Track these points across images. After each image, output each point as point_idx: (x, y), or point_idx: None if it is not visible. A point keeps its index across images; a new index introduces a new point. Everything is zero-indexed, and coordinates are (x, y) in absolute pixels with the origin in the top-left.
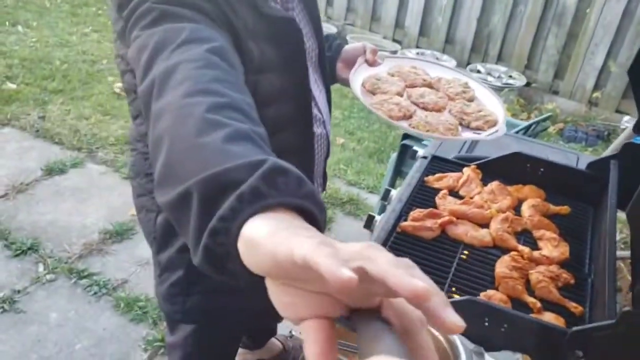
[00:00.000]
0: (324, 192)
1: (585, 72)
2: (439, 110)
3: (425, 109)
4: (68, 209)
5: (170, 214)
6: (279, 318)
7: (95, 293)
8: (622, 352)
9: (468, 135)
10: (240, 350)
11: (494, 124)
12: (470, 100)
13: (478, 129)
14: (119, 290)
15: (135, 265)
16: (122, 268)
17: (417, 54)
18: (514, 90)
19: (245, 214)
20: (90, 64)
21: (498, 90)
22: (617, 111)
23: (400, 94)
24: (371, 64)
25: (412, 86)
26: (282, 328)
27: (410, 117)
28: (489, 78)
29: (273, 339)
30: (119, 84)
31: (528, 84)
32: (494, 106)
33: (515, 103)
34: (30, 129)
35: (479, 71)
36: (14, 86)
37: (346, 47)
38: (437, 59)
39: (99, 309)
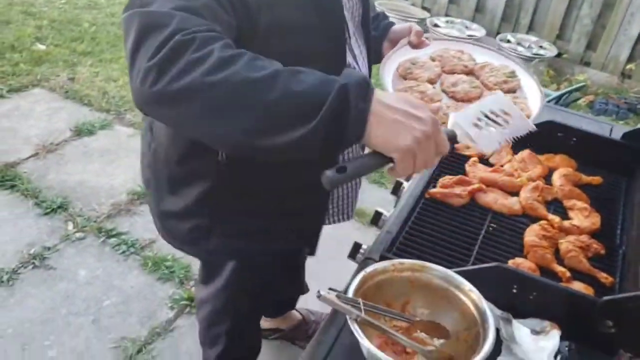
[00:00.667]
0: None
1: (620, 42)
2: (469, 101)
3: (454, 98)
4: (96, 169)
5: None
6: (301, 273)
7: (123, 252)
8: None
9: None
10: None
11: (527, 117)
12: (511, 91)
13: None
14: (147, 250)
15: None
16: (150, 229)
17: (447, 22)
18: (544, 61)
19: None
20: (119, 26)
21: (528, 60)
22: None
23: (432, 81)
24: (415, 46)
25: (451, 72)
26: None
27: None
28: (519, 48)
29: (293, 311)
30: None
31: (559, 55)
32: (534, 100)
33: (545, 74)
34: (60, 90)
35: (508, 41)
36: (43, 47)
37: (394, 27)
38: (466, 27)
39: (127, 267)
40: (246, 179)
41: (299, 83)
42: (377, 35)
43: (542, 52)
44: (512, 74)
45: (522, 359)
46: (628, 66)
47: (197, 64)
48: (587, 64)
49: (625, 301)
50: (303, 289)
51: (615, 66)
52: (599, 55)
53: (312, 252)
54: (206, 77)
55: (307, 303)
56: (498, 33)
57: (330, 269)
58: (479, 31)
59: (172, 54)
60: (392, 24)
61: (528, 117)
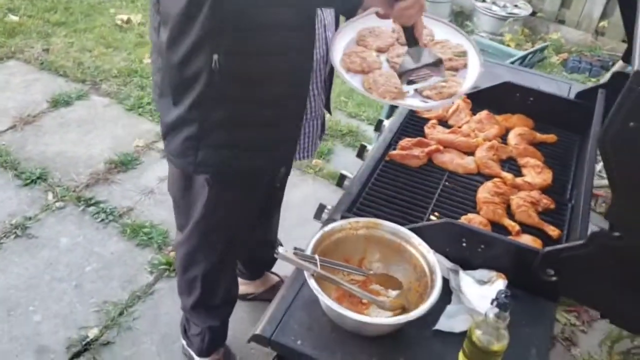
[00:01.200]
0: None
1: (593, 0)
2: None
3: (393, 68)
4: (74, 140)
5: None
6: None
7: (102, 220)
8: (591, 271)
9: (411, 102)
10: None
11: (448, 96)
12: (453, 69)
13: (428, 97)
14: (125, 218)
15: (140, 194)
16: (128, 196)
17: None
18: (518, 20)
19: None
20: None
21: (502, 19)
22: (624, 41)
23: (382, 50)
24: (382, 16)
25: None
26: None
27: (369, 73)
28: (494, 7)
29: (270, 274)
30: (121, 16)
31: (533, 13)
32: (466, 84)
33: (520, 33)
34: (35, 61)
35: (484, 0)
36: (16, 18)
37: None
38: None
39: (107, 234)
40: (233, 87)
41: None
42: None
43: (516, 10)
44: (462, 54)
45: (468, 307)
46: (601, 23)
47: None
48: (562, 22)
49: (563, 251)
50: (275, 237)
51: (588, 24)
52: (572, 13)
53: (287, 172)
54: None
55: (282, 269)
56: None
57: (310, 232)
58: None
59: None
60: None
61: (450, 96)
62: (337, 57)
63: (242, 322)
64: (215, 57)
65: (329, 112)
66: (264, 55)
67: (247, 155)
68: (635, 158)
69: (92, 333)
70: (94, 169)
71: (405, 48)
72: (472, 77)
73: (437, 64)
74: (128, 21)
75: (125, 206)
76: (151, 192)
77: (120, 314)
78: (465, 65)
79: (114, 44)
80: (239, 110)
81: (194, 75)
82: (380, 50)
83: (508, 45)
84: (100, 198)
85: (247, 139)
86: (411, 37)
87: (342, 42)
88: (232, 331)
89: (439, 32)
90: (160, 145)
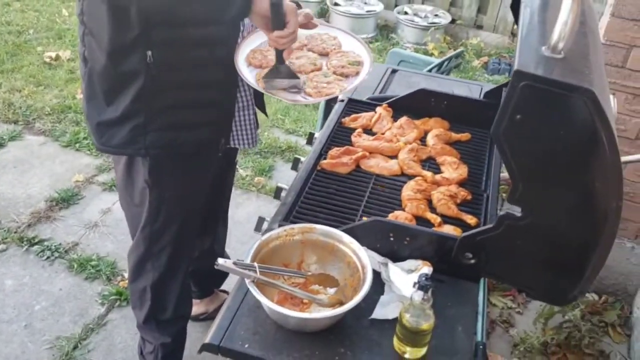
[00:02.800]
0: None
1: (506, 4)
2: (300, 72)
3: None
4: (11, 181)
5: None
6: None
7: (48, 257)
8: (503, 250)
9: (291, 96)
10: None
11: (325, 95)
12: (344, 75)
13: (309, 95)
14: (71, 253)
15: (84, 228)
16: (72, 232)
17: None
18: (440, 28)
19: None
20: (16, 34)
21: (425, 29)
22: None
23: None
24: (303, 25)
25: (310, 50)
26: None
27: (266, 67)
28: (416, 18)
29: (219, 292)
30: (49, 53)
31: (453, 21)
32: (350, 86)
33: (442, 41)
34: None
35: (406, 12)
36: None
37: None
38: (365, 3)
39: (53, 271)
40: (171, 75)
41: None
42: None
43: (437, 20)
44: (356, 63)
45: (399, 295)
46: (515, 26)
47: None
48: (480, 27)
49: (477, 235)
50: (222, 250)
51: (504, 27)
52: (489, 18)
53: (227, 142)
54: None
55: (232, 286)
56: (396, 6)
57: None
58: (377, 6)
59: None
60: (292, 4)
61: (327, 95)
62: (241, 55)
63: (198, 343)
64: (149, 52)
65: (264, 110)
66: (193, 47)
67: (190, 132)
68: (525, 146)
69: None
70: (35, 208)
71: (304, 52)
72: (354, 84)
73: (295, 77)
74: (57, 58)
75: (70, 241)
76: (95, 225)
77: (75, 347)
78: (357, 74)
79: (44, 81)
80: (178, 95)
81: (131, 73)
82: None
83: (432, 54)
84: (43, 236)
85: (189, 119)
86: (280, 56)
87: (245, 48)
88: (188, 351)
89: (347, 44)
90: (101, 178)
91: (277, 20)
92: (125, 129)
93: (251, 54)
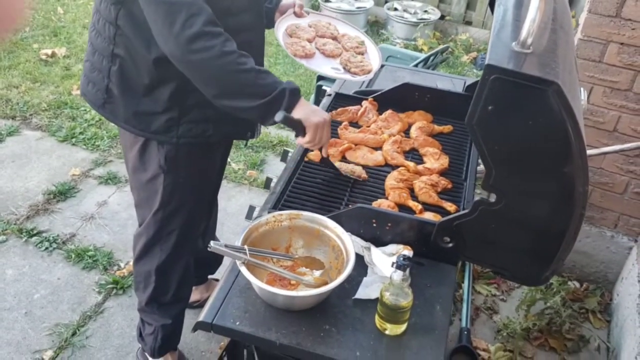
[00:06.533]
0: None
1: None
2: (332, 57)
3: (323, 54)
4: (10, 175)
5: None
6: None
7: (46, 248)
8: (478, 234)
9: (345, 76)
10: None
11: (368, 72)
12: (361, 53)
13: (355, 74)
14: (69, 244)
15: (81, 220)
16: (69, 224)
17: None
18: (429, 24)
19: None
20: (13, 32)
21: (414, 25)
22: None
23: (310, 40)
24: (298, 15)
25: (322, 36)
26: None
27: (311, 57)
28: (406, 15)
29: (213, 281)
30: (45, 51)
31: (442, 17)
32: (375, 61)
33: (432, 37)
34: None
35: (395, 9)
36: None
37: (283, 1)
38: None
39: (52, 262)
40: None
41: (262, 79)
42: (271, 7)
43: (426, 16)
44: (362, 43)
45: (381, 276)
46: None
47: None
48: (469, 23)
49: (454, 220)
50: (213, 234)
51: None
52: (477, 14)
53: (252, 136)
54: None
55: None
56: (386, 2)
57: None
58: (367, 2)
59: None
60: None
61: (369, 71)
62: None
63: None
64: None
65: None
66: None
67: (220, 125)
68: (497, 135)
69: (47, 355)
70: (33, 201)
71: (326, 39)
72: (376, 56)
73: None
74: (53, 55)
75: (68, 233)
76: (92, 217)
77: (73, 334)
78: (366, 51)
79: (41, 78)
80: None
81: (170, 75)
82: (309, 41)
83: (422, 50)
84: (42, 228)
85: (219, 114)
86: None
87: (279, 35)
88: (184, 337)
89: (341, 28)
90: (97, 172)
91: (294, 130)
92: (162, 119)
93: (289, 46)
